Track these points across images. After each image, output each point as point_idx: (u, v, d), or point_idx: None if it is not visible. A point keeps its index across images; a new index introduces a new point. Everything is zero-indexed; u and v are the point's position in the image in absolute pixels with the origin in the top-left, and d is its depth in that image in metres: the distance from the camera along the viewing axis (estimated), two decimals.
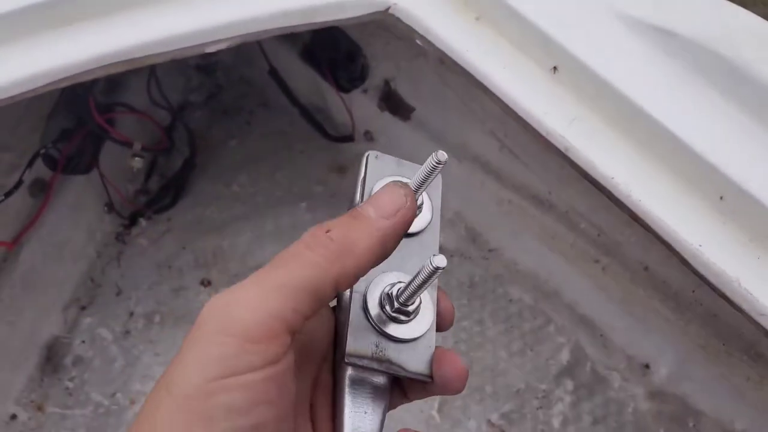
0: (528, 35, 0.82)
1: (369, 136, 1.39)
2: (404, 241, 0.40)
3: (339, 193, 1.36)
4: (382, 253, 0.37)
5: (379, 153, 0.45)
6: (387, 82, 1.29)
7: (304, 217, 1.33)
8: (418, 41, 0.89)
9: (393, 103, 1.30)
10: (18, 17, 0.86)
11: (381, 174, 0.44)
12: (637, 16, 0.80)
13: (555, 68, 0.81)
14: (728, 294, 0.69)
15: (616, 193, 0.75)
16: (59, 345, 1.26)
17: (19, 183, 1.11)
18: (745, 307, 0.68)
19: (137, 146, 1.22)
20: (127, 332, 1.27)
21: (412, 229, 0.42)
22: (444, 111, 1.22)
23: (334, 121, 1.43)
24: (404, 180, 0.42)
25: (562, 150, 0.78)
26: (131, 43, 0.86)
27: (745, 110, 0.74)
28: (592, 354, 1.10)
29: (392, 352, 0.41)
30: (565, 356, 1.11)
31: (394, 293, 0.41)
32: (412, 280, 0.39)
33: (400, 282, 0.41)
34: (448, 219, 1.27)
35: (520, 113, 0.80)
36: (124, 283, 1.32)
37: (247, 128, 1.49)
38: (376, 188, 0.42)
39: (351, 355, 0.40)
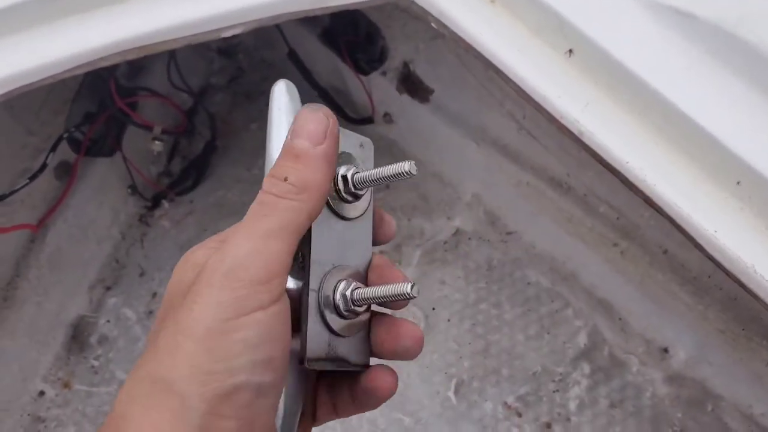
0: (543, 18, 0.81)
1: (388, 118, 1.39)
2: (342, 225, 0.44)
3: None
4: (331, 173, 0.41)
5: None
6: (406, 64, 1.29)
7: None
8: (433, 24, 0.88)
9: (412, 85, 1.29)
10: (35, 4, 0.87)
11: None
12: None
13: (570, 51, 0.80)
14: (744, 280, 0.68)
15: (630, 178, 0.74)
16: (85, 324, 1.30)
17: (44, 167, 1.14)
18: (760, 293, 0.67)
19: (158, 130, 1.24)
20: (150, 312, 1.29)
21: (350, 214, 0.44)
22: (463, 93, 1.21)
23: (354, 103, 1.43)
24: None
25: (576, 134, 0.77)
26: (146, 30, 0.87)
27: (764, 94, 0.72)
28: (610, 338, 1.10)
29: (341, 348, 0.42)
30: (582, 340, 1.10)
31: (349, 295, 0.42)
32: (374, 290, 0.41)
33: (355, 284, 0.43)
34: (466, 202, 1.27)
35: (535, 97, 0.80)
36: (148, 264, 1.34)
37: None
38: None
39: (311, 360, 0.41)
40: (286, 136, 0.42)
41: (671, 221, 0.72)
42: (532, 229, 1.19)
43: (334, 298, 0.42)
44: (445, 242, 1.25)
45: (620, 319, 1.10)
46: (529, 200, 1.16)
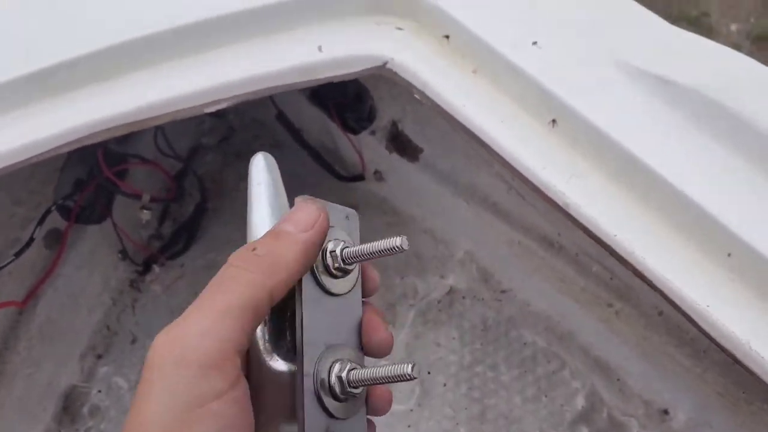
0: (525, 88, 0.80)
1: (379, 176, 1.38)
2: (332, 302, 0.42)
3: None
4: (306, 262, 0.40)
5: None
6: (394, 123, 1.29)
7: None
8: (416, 95, 0.88)
9: (401, 144, 1.29)
10: (19, 85, 0.87)
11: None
12: (637, 65, 0.78)
13: (554, 121, 0.79)
14: (739, 357, 0.67)
15: (619, 251, 0.73)
16: (76, 394, 1.27)
17: (30, 241, 1.13)
18: (756, 370, 0.66)
19: (146, 198, 1.23)
20: None
21: (340, 290, 0.43)
22: (451, 152, 1.21)
23: (345, 161, 1.43)
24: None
25: (562, 206, 0.76)
26: (132, 107, 0.87)
27: (749, 162, 0.72)
28: (609, 399, 1.08)
29: (340, 431, 0.41)
30: (580, 402, 1.08)
31: (345, 378, 0.40)
32: (372, 372, 0.40)
33: (350, 365, 0.41)
34: (459, 260, 1.26)
35: (519, 168, 0.79)
36: (139, 330, 1.33)
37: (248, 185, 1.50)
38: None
39: None
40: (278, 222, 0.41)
41: (663, 295, 0.71)
42: (526, 287, 1.18)
43: (329, 381, 0.41)
44: (439, 301, 1.24)
45: (618, 379, 1.08)
46: (521, 259, 1.15)
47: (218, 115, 1.58)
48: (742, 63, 0.76)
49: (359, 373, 0.40)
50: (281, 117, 1.33)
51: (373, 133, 1.33)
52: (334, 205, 0.44)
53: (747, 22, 3.12)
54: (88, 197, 1.24)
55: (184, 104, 0.87)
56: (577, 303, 1.09)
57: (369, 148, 1.35)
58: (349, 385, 0.41)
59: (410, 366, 0.38)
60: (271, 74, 0.88)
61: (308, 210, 0.41)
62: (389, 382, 0.40)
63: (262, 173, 0.47)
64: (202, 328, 0.35)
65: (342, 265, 0.42)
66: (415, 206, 1.33)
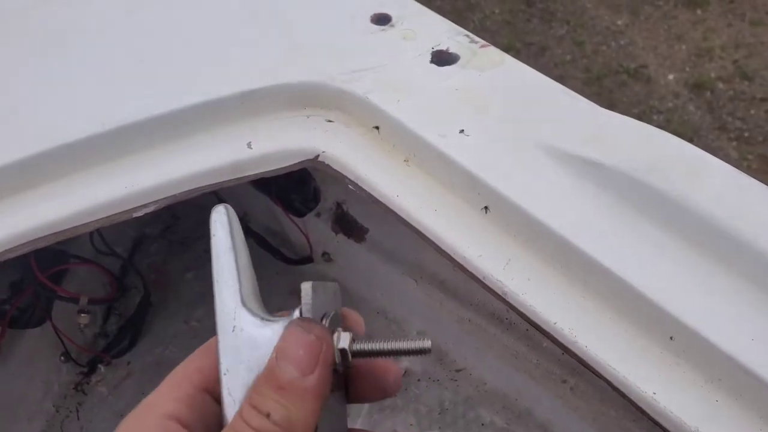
0: (456, 176, 0.80)
1: (327, 257, 1.36)
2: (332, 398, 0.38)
3: None
4: (319, 408, 0.36)
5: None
6: (339, 205, 1.28)
7: None
8: (350, 186, 0.87)
9: (346, 225, 1.28)
10: None
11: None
12: (564, 149, 0.78)
13: (486, 208, 0.79)
14: None
15: (560, 339, 0.71)
16: None
17: None
18: None
19: (83, 302, 1.19)
20: None
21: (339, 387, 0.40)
22: (396, 232, 1.19)
23: (292, 244, 1.41)
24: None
25: (501, 294, 0.75)
26: (56, 217, 0.84)
27: (682, 242, 0.71)
28: None
29: None
30: None
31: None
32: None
33: None
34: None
35: (456, 258, 0.78)
36: None
37: (205, 257, 1.46)
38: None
39: None
40: (272, 355, 0.37)
41: (609, 384, 0.69)
42: (481, 365, 1.15)
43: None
44: None
45: None
46: (473, 336, 1.13)
47: None
48: (668, 142, 0.77)
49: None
50: None
51: (318, 215, 1.31)
52: (319, 283, 0.41)
53: (683, 71, 3.23)
54: (26, 300, 1.20)
55: (111, 211, 0.84)
56: (532, 379, 1.07)
57: (315, 229, 1.33)
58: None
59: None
60: (199, 174, 0.86)
61: (308, 343, 0.36)
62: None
63: (222, 232, 0.43)
64: None
65: (346, 363, 0.38)
66: (365, 287, 1.30)
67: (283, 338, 0.37)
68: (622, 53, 3.32)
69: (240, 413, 0.35)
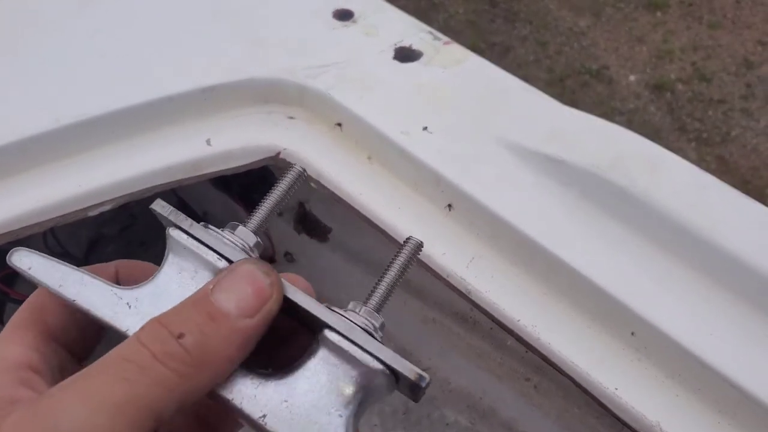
0: (419, 173, 0.79)
1: (290, 258, 1.34)
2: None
3: None
4: (240, 360, 0.31)
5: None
6: (301, 204, 1.26)
7: None
8: (312, 184, 0.86)
9: (309, 225, 1.26)
10: None
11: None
12: (526, 146, 0.78)
13: (449, 206, 0.78)
14: None
15: (524, 337, 0.71)
16: None
17: None
18: None
19: None
20: None
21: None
22: (360, 230, 1.18)
23: None
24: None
25: (465, 292, 0.74)
26: (6, 216, 0.81)
27: (644, 238, 0.72)
28: None
29: None
30: None
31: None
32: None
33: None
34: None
35: (419, 255, 0.77)
36: None
37: None
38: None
39: None
40: (206, 284, 0.32)
41: (572, 380, 0.69)
42: (445, 365, 1.15)
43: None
44: None
45: None
46: (437, 336, 1.13)
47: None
48: (628, 139, 0.77)
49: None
50: (182, 207, 1.29)
51: (280, 214, 1.29)
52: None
53: (644, 72, 3.28)
54: None
55: (65, 209, 0.82)
56: (496, 377, 1.07)
57: (278, 229, 1.32)
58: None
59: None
60: (157, 172, 0.84)
61: (259, 285, 0.32)
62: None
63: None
64: (85, 421, 0.26)
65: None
66: (328, 286, 1.29)
67: (232, 271, 0.33)
68: (584, 54, 3.37)
69: (137, 334, 0.29)
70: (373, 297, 0.39)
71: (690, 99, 3.19)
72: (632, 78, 3.28)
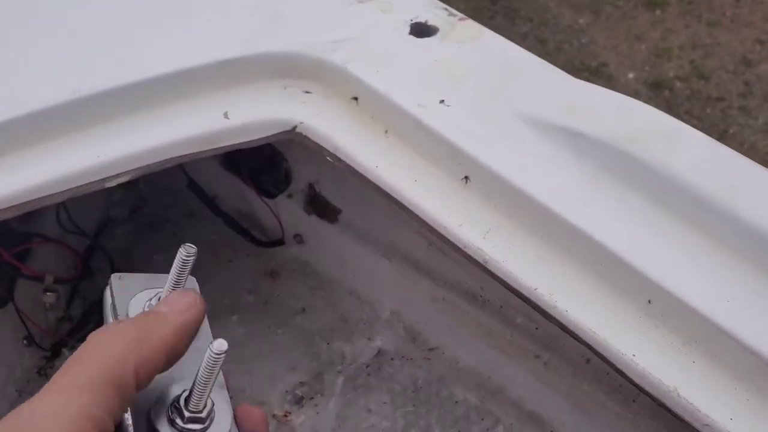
0: (436, 146, 0.80)
1: (299, 239, 1.35)
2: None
3: (271, 301, 1.31)
4: (176, 345, 0.36)
5: (122, 274, 0.44)
6: (311, 186, 1.27)
7: (236, 331, 1.27)
8: (328, 158, 0.86)
9: (319, 206, 1.27)
10: None
11: (131, 293, 0.42)
12: (544, 118, 0.79)
13: (466, 178, 0.79)
14: (668, 404, 0.66)
15: (541, 305, 0.72)
16: None
17: None
18: (686, 417, 0.66)
19: (49, 279, 1.15)
20: None
21: None
22: (370, 211, 1.19)
23: (263, 226, 1.39)
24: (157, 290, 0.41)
25: (481, 262, 0.75)
26: (23, 187, 0.81)
27: (660, 208, 0.73)
28: None
29: None
30: None
31: (182, 402, 0.36)
32: (197, 377, 0.36)
33: (184, 390, 0.37)
34: (386, 320, 1.23)
35: (436, 227, 0.78)
36: None
37: (174, 240, 1.44)
38: (131, 309, 0.41)
39: None
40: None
41: (589, 347, 0.70)
42: (454, 343, 1.16)
43: (169, 414, 0.37)
44: (368, 365, 1.20)
45: (552, 431, 1.06)
46: (447, 315, 1.14)
47: (128, 185, 1.52)
48: (646, 112, 0.78)
49: (186, 393, 0.37)
50: (192, 185, 1.29)
51: (290, 196, 1.30)
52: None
53: (642, 70, 3.29)
54: None
55: (82, 180, 0.82)
56: (505, 356, 1.08)
57: (287, 211, 1.32)
58: (187, 409, 0.36)
59: (212, 342, 0.35)
60: (174, 144, 0.84)
61: (185, 295, 0.39)
62: (212, 374, 0.35)
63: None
64: (53, 406, 0.31)
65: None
66: (337, 268, 1.30)
67: (166, 296, 0.39)
68: (583, 52, 3.38)
69: None
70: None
71: (688, 97, 3.20)
72: (631, 75, 3.29)
